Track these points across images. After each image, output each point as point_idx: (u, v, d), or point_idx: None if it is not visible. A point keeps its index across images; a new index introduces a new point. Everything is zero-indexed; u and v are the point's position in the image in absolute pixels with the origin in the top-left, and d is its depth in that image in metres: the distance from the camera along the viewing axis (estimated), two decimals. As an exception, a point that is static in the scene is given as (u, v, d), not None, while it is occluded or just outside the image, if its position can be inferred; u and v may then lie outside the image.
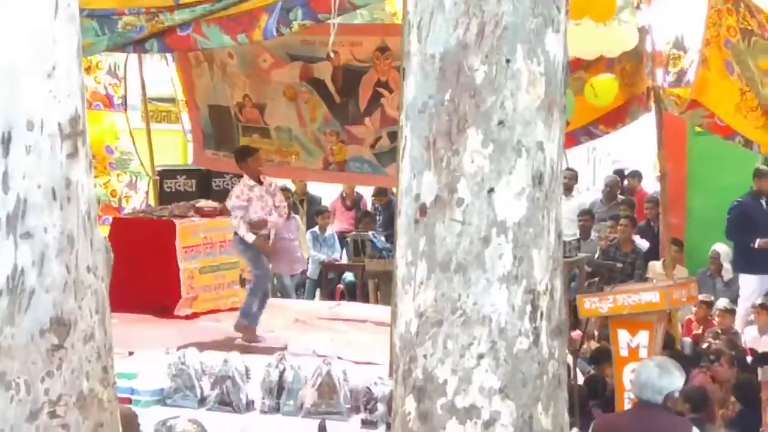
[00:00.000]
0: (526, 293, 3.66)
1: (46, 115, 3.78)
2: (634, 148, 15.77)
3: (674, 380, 5.14)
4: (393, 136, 9.54)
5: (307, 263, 12.13)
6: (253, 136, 10.92)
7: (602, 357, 8.10)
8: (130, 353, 8.03)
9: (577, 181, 13.40)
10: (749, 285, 10.75)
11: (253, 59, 10.60)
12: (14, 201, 3.74)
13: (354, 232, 12.29)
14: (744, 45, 8.72)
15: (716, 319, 10.17)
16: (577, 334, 8.36)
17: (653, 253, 11.77)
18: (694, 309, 10.33)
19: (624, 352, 6.67)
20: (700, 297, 9.69)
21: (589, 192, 16.16)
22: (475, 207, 3.62)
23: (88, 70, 11.78)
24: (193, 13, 8.23)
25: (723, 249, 11.44)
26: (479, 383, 3.63)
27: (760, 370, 7.64)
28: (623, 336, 6.67)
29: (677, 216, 11.86)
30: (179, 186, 12.17)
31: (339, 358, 7.81)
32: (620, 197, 13.18)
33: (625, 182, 14.00)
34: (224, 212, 9.62)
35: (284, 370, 7.24)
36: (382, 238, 11.50)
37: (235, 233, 8.93)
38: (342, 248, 12.50)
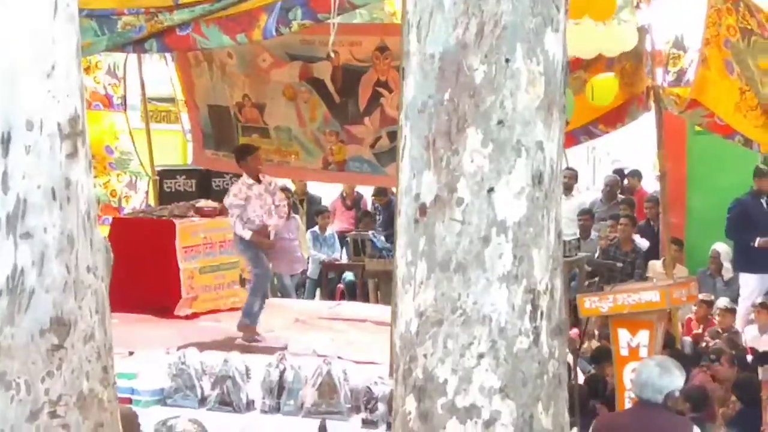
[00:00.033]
0: (526, 293, 3.66)
1: (45, 115, 3.79)
2: (634, 147, 15.73)
3: (674, 379, 5.14)
4: (392, 136, 9.54)
5: (307, 263, 12.13)
6: (252, 135, 10.91)
7: (602, 356, 8.10)
8: (130, 353, 8.04)
9: (577, 180, 13.38)
10: (749, 284, 10.75)
11: (253, 59, 10.58)
12: (14, 201, 3.75)
13: (354, 232, 12.28)
14: (744, 44, 8.72)
15: (716, 318, 10.17)
16: (574, 332, 8.35)
17: (653, 253, 11.77)
18: (694, 308, 10.33)
19: (624, 352, 6.67)
20: (701, 296, 9.68)
21: (589, 191, 16.12)
22: (474, 206, 3.62)
23: (87, 70, 11.78)
24: (193, 13, 8.23)
25: (723, 248, 11.43)
26: (479, 383, 3.63)
27: (760, 369, 7.65)
28: (623, 335, 6.67)
29: (677, 215, 11.86)
30: (179, 186, 12.16)
31: (339, 357, 7.81)
32: (620, 197, 13.18)
33: (625, 182, 13.98)
34: (224, 212, 9.62)
35: (284, 369, 7.24)
36: (382, 238, 11.49)
37: (235, 232, 8.95)
38: (342, 248, 12.50)
